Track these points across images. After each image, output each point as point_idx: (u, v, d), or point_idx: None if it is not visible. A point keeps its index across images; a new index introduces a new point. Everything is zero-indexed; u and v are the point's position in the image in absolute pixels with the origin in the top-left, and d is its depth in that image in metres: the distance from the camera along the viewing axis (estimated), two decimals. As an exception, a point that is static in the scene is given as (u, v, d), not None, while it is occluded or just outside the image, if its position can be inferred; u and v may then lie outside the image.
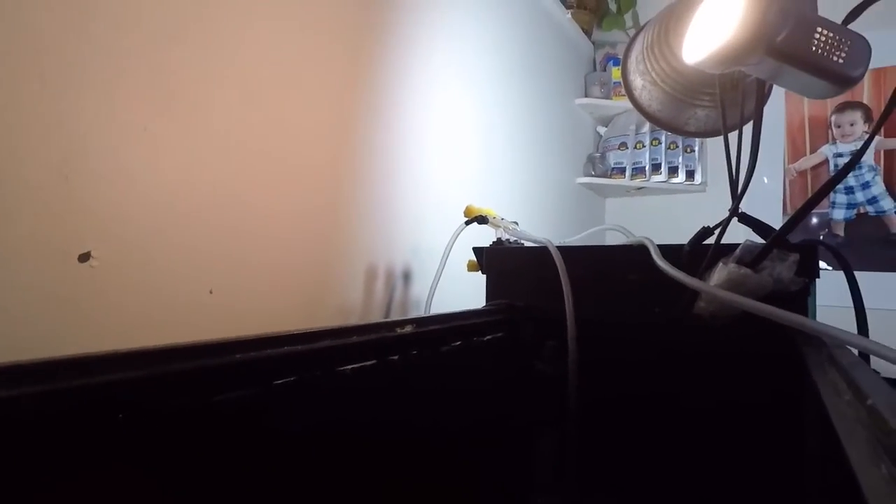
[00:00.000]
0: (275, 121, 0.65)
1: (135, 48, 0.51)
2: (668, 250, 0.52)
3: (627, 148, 1.65)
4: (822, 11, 0.40)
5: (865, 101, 1.48)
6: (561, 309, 0.55)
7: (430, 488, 0.47)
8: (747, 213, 0.49)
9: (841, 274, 0.48)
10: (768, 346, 0.48)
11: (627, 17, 1.71)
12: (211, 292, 0.57)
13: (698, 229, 0.53)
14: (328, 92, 0.73)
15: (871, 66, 0.39)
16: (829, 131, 1.53)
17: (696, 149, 1.63)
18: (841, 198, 1.50)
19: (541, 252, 0.62)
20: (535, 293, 0.64)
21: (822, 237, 1.52)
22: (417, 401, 0.46)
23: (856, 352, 0.33)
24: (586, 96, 1.67)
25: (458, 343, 0.51)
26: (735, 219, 0.49)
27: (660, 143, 1.62)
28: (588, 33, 1.70)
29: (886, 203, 1.45)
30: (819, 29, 0.38)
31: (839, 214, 1.50)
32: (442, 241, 0.79)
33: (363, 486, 0.40)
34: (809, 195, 0.42)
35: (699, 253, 0.50)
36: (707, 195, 1.64)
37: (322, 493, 0.36)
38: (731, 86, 0.53)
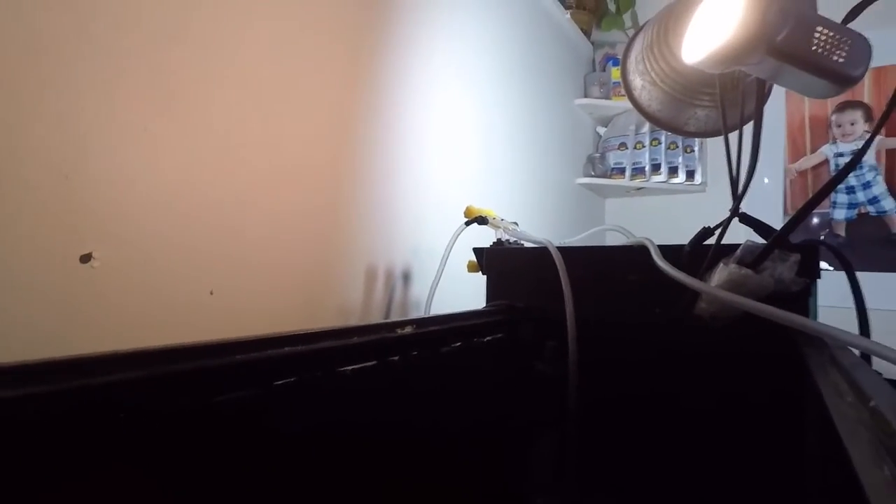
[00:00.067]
0: (275, 121, 0.65)
1: (134, 48, 0.51)
2: (668, 251, 0.52)
3: (627, 148, 1.65)
4: (823, 10, 0.40)
5: (866, 101, 1.48)
6: (561, 309, 0.55)
7: (431, 489, 0.47)
8: (748, 213, 0.49)
9: (842, 274, 0.48)
10: (769, 346, 0.48)
11: (626, 17, 1.71)
12: (211, 293, 0.57)
13: (698, 230, 0.53)
14: (328, 92, 0.73)
15: (872, 65, 0.39)
16: (830, 131, 1.53)
17: (696, 149, 1.63)
18: (842, 198, 1.50)
19: (541, 253, 0.62)
20: (535, 294, 0.64)
21: (823, 237, 1.51)
22: (418, 401, 0.46)
23: (857, 353, 0.33)
24: (586, 96, 1.67)
25: (459, 344, 0.51)
26: (736, 219, 0.49)
27: (660, 143, 1.62)
28: (587, 33, 1.70)
29: (888, 203, 1.44)
30: (819, 28, 0.38)
31: (840, 214, 1.50)
32: (442, 242, 0.79)
33: (364, 487, 0.40)
34: (810, 195, 0.42)
35: (700, 253, 0.50)
36: (707, 195, 1.64)
37: (323, 493, 0.36)
38: (732, 85, 0.53)
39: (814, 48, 0.38)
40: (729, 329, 0.47)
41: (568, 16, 1.54)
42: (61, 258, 0.45)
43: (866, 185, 1.47)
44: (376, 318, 0.80)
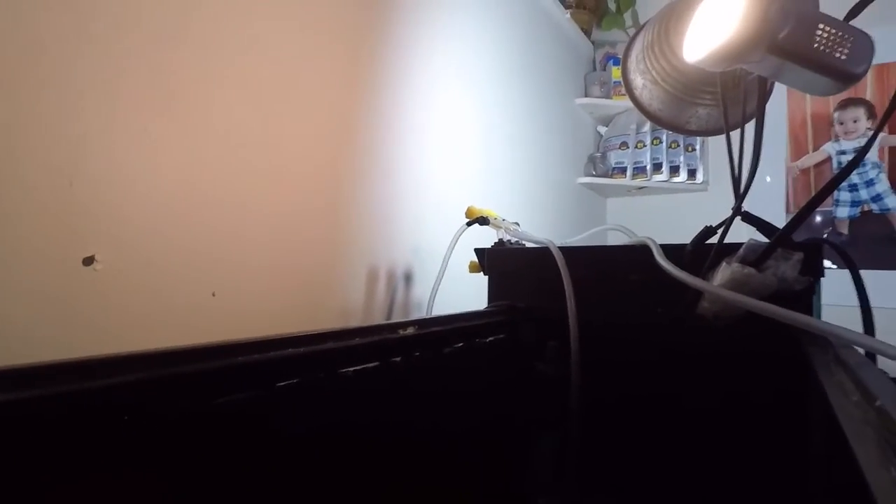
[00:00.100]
0: (275, 122, 0.65)
1: (134, 49, 0.51)
2: (670, 250, 0.52)
3: (628, 147, 1.65)
4: (825, 8, 0.39)
5: (868, 98, 1.48)
6: (563, 309, 0.55)
7: (433, 489, 0.47)
8: (750, 212, 0.49)
9: (846, 272, 0.48)
10: (773, 346, 0.48)
11: (627, 16, 1.71)
12: (214, 295, 0.57)
13: (701, 229, 0.53)
14: (328, 93, 0.73)
15: (874, 62, 0.39)
16: (832, 128, 1.52)
17: (698, 147, 1.63)
18: (845, 195, 1.49)
19: (542, 253, 0.62)
20: (536, 294, 0.63)
21: (826, 235, 1.51)
22: (420, 402, 0.46)
23: (862, 352, 0.33)
24: (586, 96, 1.67)
25: (460, 345, 0.51)
26: (738, 218, 0.49)
27: (661, 142, 1.62)
28: (587, 33, 1.70)
29: (891, 200, 1.44)
30: (821, 25, 0.38)
31: (843, 212, 1.49)
32: (443, 242, 0.79)
33: (366, 488, 0.40)
34: (813, 193, 0.42)
35: (702, 253, 0.50)
36: (709, 194, 1.64)
37: (325, 494, 0.36)
38: (733, 84, 0.53)
39: (816, 46, 0.38)
40: (732, 329, 0.47)
41: (568, 15, 1.54)
42: (64, 261, 0.45)
43: (869, 183, 1.47)
44: (378, 318, 0.80)
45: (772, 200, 1.57)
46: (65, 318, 0.45)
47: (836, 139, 1.52)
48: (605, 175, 1.65)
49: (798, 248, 0.46)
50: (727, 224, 0.50)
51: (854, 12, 0.42)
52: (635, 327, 0.57)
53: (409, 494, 0.44)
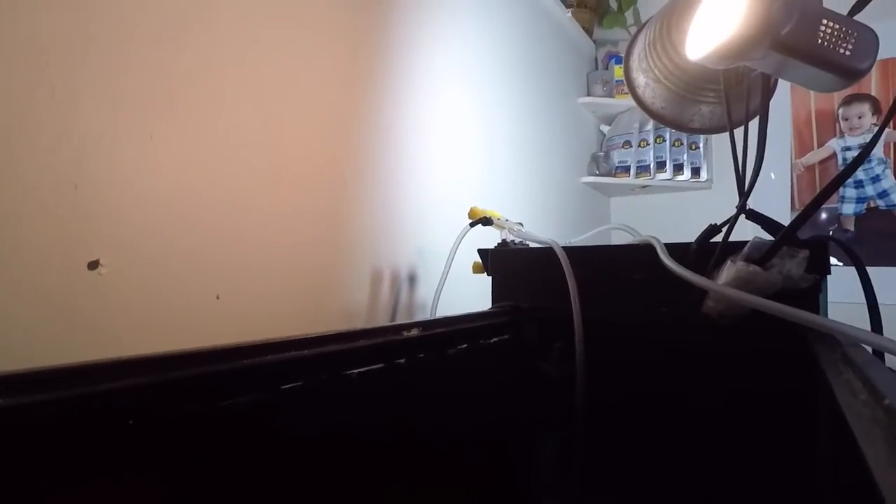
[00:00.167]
0: (277, 123, 0.66)
1: (136, 52, 0.51)
2: (674, 249, 0.52)
3: (631, 146, 1.64)
4: (828, 3, 0.39)
5: (873, 93, 1.46)
6: (567, 309, 0.54)
7: (437, 490, 0.47)
8: (755, 209, 0.49)
9: (852, 270, 0.48)
10: (779, 344, 0.48)
11: (628, 14, 1.70)
12: (218, 297, 0.58)
13: (705, 227, 0.53)
14: (330, 95, 0.73)
15: (879, 57, 0.38)
16: (837, 125, 1.51)
17: (701, 145, 1.62)
18: (850, 192, 1.48)
19: (546, 253, 0.61)
20: (540, 294, 0.63)
21: (831, 232, 1.50)
22: (424, 403, 0.46)
23: (870, 350, 0.32)
24: (589, 95, 1.67)
25: (465, 346, 0.51)
26: (742, 216, 0.49)
27: (664, 140, 1.61)
28: (589, 32, 1.69)
29: (897, 196, 1.43)
30: (825, 21, 0.37)
31: (849, 209, 1.48)
32: (446, 243, 0.79)
33: (371, 489, 0.40)
34: (818, 190, 0.42)
35: (706, 251, 0.50)
36: (713, 192, 1.63)
37: (330, 496, 0.36)
38: (736, 81, 0.53)
39: (819, 41, 0.37)
40: (737, 327, 0.46)
41: (569, 14, 1.54)
42: (69, 265, 0.46)
43: (875, 179, 1.46)
44: (382, 320, 0.81)
45: (776, 198, 1.56)
46: (70, 321, 0.46)
47: (841, 135, 1.51)
48: (608, 174, 1.65)
49: (803, 245, 0.45)
50: (732, 222, 0.49)
51: (858, 7, 0.42)
52: (640, 327, 0.57)
53: (414, 495, 0.44)
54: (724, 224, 0.51)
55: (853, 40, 0.37)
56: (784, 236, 0.45)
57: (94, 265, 0.47)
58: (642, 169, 1.63)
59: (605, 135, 1.75)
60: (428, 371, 0.46)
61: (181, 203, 0.55)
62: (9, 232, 0.42)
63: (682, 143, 1.61)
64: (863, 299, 0.46)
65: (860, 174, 1.47)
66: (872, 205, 1.46)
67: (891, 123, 1.44)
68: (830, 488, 0.38)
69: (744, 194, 0.48)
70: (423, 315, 0.87)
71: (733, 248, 0.47)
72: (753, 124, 0.48)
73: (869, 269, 0.47)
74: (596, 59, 1.78)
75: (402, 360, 0.43)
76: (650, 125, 1.62)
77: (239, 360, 0.30)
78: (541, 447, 0.61)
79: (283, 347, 0.33)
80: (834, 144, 1.52)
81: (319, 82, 0.71)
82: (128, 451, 0.25)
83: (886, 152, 1.45)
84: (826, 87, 0.40)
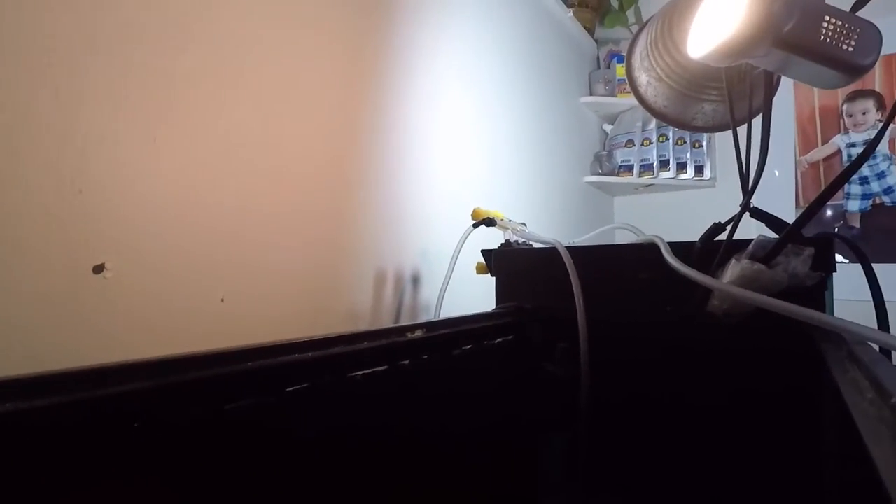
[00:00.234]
0: (280, 126, 0.66)
1: (138, 55, 0.51)
2: (679, 248, 0.52)
3: (634, 145, 1.64)
4: None
5: (877, 89, 1.46)
6: (571, 309, 0.54)
7: (442, 491, 0.47)
8: (759, 207, 0.48)
9: (858, 267, 0.47)
10: (784, 343, 0.48)
11: (630, 13, 1.70)
12: (222, 300, 0.58)
13: (709, 225, 0.52)
14: (334, 95, 0.73)
15: (883, 52, 0.38)
16: (841, 121, 1.50)
17: (705, 143, 1.61)
18: (856, 188, 1.47)
19: (550, 253, 0.61)
20: (544, 294, 0.63)
21: (837, 229, 1.49)
22: (428, 405, 0.46)
23: (877, 348, 0.32)
24: (591, 94, 1.66)
25: (469, 347, 0.51)
26: (747, 214, 0.48)
27: (667, 138, 1.61)
28: (591, 31, 1.69)
29: (902, 193, 1.42)
30: (827, 17, 0.37)
31: (854, 206, 1.47)
32: (450, 244, 0.79)
33: (376, 491, 0.40)
34: (822, 187, 0.42)
35: (711, 249, 0.50)
36: (717, 190, 1.62)
37: (335, 497, 0.36)
38: (739, 79, 0.52)
39: (822, 38, 0.37)
40: (742, 326, 0.46)
41: (570, 14, 1.53)
42: (74, 269, 0.46)
43: (880, 175, 1.45)
44: (386, 321, 0.81)
45: (781, 195, 1.55)
46: (75, 325, 0.46)
47: (846, 132, 1.50)
48: (611, 173, 1.64)
49: (809, 242, 0.45)
50: (736, 220, 0.49)
51: (860, 3, 0.42)
52: (644, 326, 0.57)
53: (419, 497, 0.44)
54: (728, 222, 0.51)
55: (856, 36, 0.37)
56: (789, 234, 0.45)
57: (99, 269, 0.47)
58: (645, 168, 1.63)
59: (607, 134, 1.75)
60: (432, 372, 0.46)
61: (185, 206, 0.55)
62: (13, 235, 0.42)
63: (685, 142, 1.60)
64: (869, 297, 0.46)
65: (865, 170, 1.46)
66: (878, 201, 1.45)
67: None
68: (837, 487, 0.37)
69: (748, 192, 0.48)
70: (427, 316, 0.87)
71: (738, 247, 0.47)
72: (757, 122, 0.48)
73: (875, 266, 0.47)
74: (598, 59, 1.78)
75: (407, 362, 0.43)
76: (653, 124, 1.62)
77: (243, 362, 0.31)
78: (545, 447, 0.61)
79: (287, 350, 0.33)
80: (838, 141, 1.51)
81: (321, 83, 0.72)
82: (133, 455, 0.26)
83: (892, 148, 1.44)
84: (829, 83, 0.40)
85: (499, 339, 0.57)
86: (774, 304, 0.38)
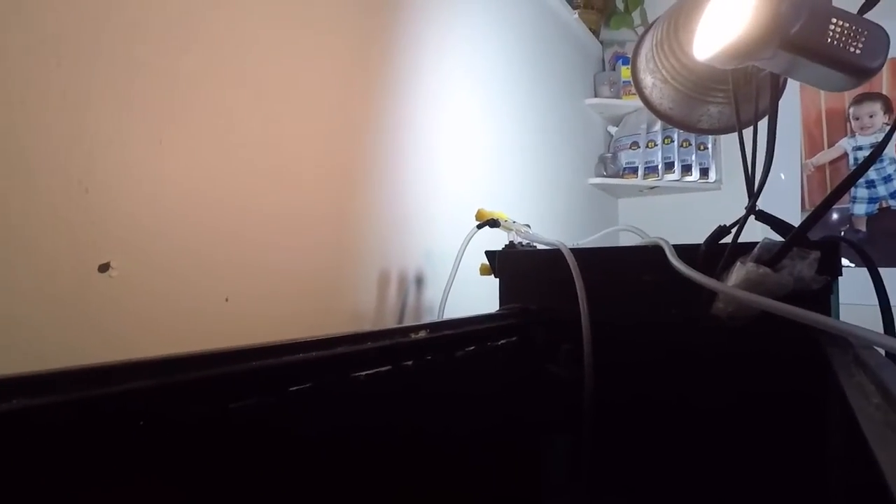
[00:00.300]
0: (285, 128, 0.66)
1: (143, 56, 0.52)
2: (683, 250, 0.52)
3: (639, 147, 1.63)
4: (837, 1, 0.39)
5: (884, 92, 1.45)
6: (575, 311, 0.54)
7: (445, 492, 0.47)
8: (764, 210, 0.48)
9: (864, 271, 0.47)
10: (790, 347, 0.47)
11: (635, 15, 1.70)
12: (227, 300, 0.58)
13: (714, 228, 0.52)
14: (337, 96, 0.74)
15: (890, 55, 0.38)
16: (848, 124, 1.49)
17: (710, 146, 1.61)
18: (862, 192, 1.46)
19: (554, 254, 0.61)
20: (548, 296, 0.63)
21: (843, 233, 1.48)
22: (432, 405, 0.46)
23: (883, 352, 0.32)
24: (596, 96, 1.66)
25: (472, 348, 0.51)
26: (752, 216, 0.48)
27: (672, 141, 1.60)
28: (596, 33, 1.69)
29: (910, 196, 1.41)
30: (834, 20, 0.37)
31: (860, 209, 1.46)
32: (454, 245, 0.79)
33: (379, 491, 0.40)
34: (828, 190, 0.41)
35: (716, 252, 0.49)
36: (722, 193, 1.62)
37: (338, 497, 0.36)
38: (745, 81, 0.52)
39: (829, 40, 0.37)
40: (747, 329, 0.46)
41: (576, 15, 1.53)
42: (80, 268, 0.46)
43: (887, 179, 1.44)
44: (390, 322, 0.81)
45: (786, 198, 1.54)
46: (80, 323, 0.46)
47: (852, 135, 1.49)
48: (616, 175, 1.64)
49: (814, 246, 0.45)
50: (741, 223, 0.49)
51: (868, 5, 0.41)
52: (649, 328, 0.57)
53: (422, 497, 0.44)
54: (733, 225, 0.50)
55: (863, 39, 0.37)
56: (794, 237, 0.44)
57: (104, 268, 0.48)
58: (650, 170, 1.62)
59: (612, 136, 1.75)
60: (436, 373, 0.46)
61: (190, 206, 0.55)
62: (20, 234, 0.43)
63: (690, 144, 1.60)
64: (875, 301, 0.46)
65: (872, 174, 1.45)
66: (884, 205, 1.44)
67: (903, 122, 1.42)
68: (842, 492, 0.37)
69: (753, 195, 0.47)
70: (431, 317, 0.87)
71: (743, 250, 0.47)
72: (762, 124, 0.48)
73: (881, 271, 0.46)
74: (603, 60, 1.78)
75: (410, 362, 0.43)
76: (658, 126, 1.61)
77: (247, 361, 0.31)
78: (549, 449, 0.61)
79: (291, 349, 0.33)
80: (845, 144, 1.50)
81: (326, 83, 0.72)
82: (138, 453, 0.26)
83: (899, 151, 1.43)
84: (836, 86, 0.40)
85: (502, 341, 0.57)
86: (780, 307, 0.38)
